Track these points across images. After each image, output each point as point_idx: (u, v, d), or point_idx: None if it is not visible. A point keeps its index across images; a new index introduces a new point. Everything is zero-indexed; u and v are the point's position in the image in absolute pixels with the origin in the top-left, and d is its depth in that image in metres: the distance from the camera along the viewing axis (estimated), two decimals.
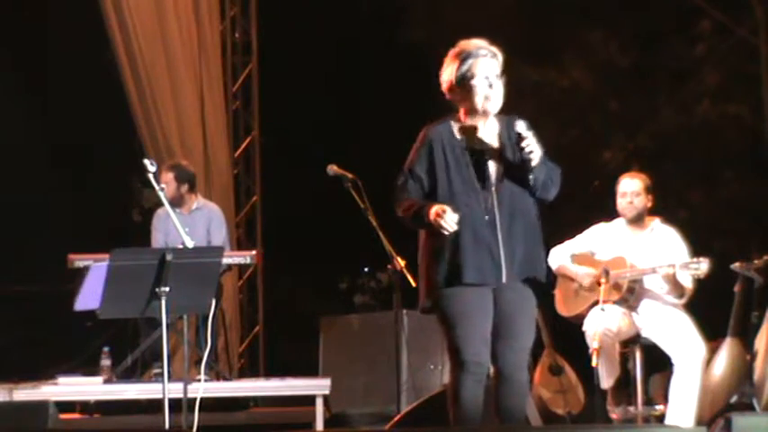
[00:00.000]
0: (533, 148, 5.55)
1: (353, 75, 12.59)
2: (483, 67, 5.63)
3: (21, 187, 10.66)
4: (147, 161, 6.49)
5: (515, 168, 5.62)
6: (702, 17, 11.92)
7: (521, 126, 5.59)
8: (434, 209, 5.46)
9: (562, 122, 11.30)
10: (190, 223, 8.43)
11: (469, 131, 5.67)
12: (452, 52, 5.71)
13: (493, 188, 5.59)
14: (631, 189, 7.47)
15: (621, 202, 7.49)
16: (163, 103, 10.02)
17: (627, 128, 12.33)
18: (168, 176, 8.62)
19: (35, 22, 11.26)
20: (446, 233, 5.47)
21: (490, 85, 5.62)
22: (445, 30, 12.10)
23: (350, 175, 7.32)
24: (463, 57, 5.65)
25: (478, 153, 5.65)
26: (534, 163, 5.55)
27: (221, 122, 10.46)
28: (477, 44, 5.68)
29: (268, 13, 10.96)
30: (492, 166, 5.63)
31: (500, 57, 5.68)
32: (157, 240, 8.69)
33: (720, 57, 11.66)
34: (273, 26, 11.22)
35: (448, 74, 5.69)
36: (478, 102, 5.63)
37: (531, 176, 5.60)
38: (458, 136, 5.66)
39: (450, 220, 5.44)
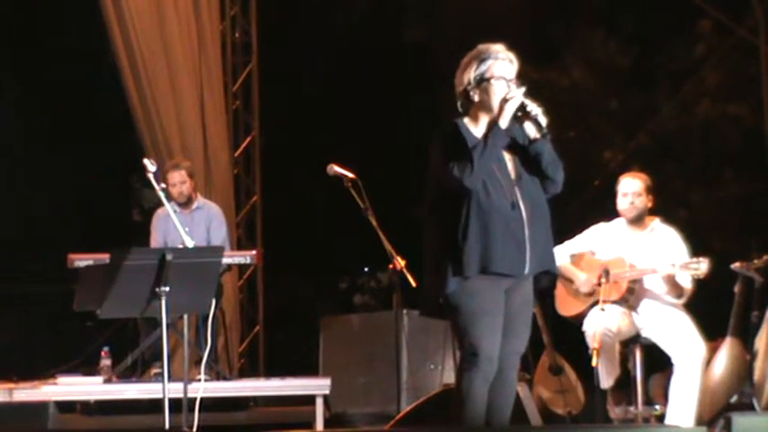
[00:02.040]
0: (537, 110, 5.61)
1: (353, 74, 12.58)
2: (501, 69, 5.68)
3: (21, 187, 10.66)
4: (147, 161, 6.50)
5: (529, 164, 5.69)
6: (702, 17, 11.92)
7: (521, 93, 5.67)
8: (504, 105, 5.57)
9: (562, 122, 11.31)
10: (189, 223, 8.44)
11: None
12: (469, 55, 5.75)
13: (514, 183, 5.66)
14: (633, 189, 7.45)
15: (623, 202, 7.47)
16: (163, 103, 10.02)
17: (627, 128, 12.34)
18: (184, 175, 8.67)
19: (35, 22, 11.26)
20: (517, 102, 5.57)
21: (508, 87, 5.66)
22: (446, 29, 12.13)
23: (350, 175, 7.32)
24: (481, 58, 5.70)
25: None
26: (543, 122, 5.60)
27: (221, 122, 10.45)
28: (495, 48, 5.73)
29: (268, 13, 10.96)
30: (510, 163, 5.69)
31: (516, 63, 5.73)
32: (156, 241, 8.69)
33: (720, 57, 11.66)
34: (273, 26, 11.22)
35: (465, 75, 5.72)
36: (496, 102, 5.67)
37: (538, 151, 5.65)
38: (474, 134, 5.69)
39: (517, 92, 5.57)
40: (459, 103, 5.77)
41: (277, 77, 11.25)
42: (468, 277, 5.55)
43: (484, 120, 5.72)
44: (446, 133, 5.69)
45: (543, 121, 5.63)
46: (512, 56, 5.73)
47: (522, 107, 5.65)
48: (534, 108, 5.64)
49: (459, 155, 5.59)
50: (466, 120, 5.75)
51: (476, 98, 5.70)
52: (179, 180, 8.67)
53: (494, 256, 5.56)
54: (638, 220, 7.48)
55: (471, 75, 5.69)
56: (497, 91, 5.67)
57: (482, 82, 5.67)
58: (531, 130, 5.68)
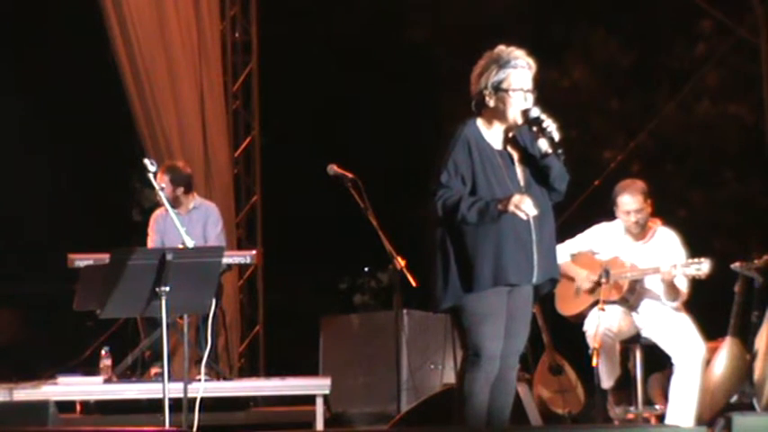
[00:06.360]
0: (552, 126, 5.62)
1: (354, 74, 12.59)
2: (520, 80, 5.67)
3: (21, 187, 10.66)
4: (147, 161, 6.48)
5: (537, 172, 5.71)
6: (702, 17, 11.92)
7: (536, 111, 5.66)
8: (513, 198, 5.48)
9: (562, 122, 11.29)
10: (186, 223, 8.40)
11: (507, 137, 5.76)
12: (489, 56, 5.72)
13: (523, 190, 5.66)
14: (634, 207, 7.37)
15: (627, 220, 7.40)
16: (163, 103, 10.01)
17: (627, 128, 12.34)
18: (164, 179, 8.59)
19: (36, 22, 11.27)
20: (524, 218, 5.51)
21: (525, 99, 5.66)
22: (446, 30, 12.13)
23: (350, 175, 7.32)
24: (501, 64, 5.67)
25: (508, 156, 5.71)
26: (556, 138, 5.61)
27: (221, 122, 10.44)
28: (515, 53, 5.70)
29: (268, 13, 10.96)
30: (519, 170, 5.70)
31: (534, 68, 5.72)
32: (153, 242, 8.66)
33: (720, 57, 11.66)
34: (273, 26, 11.22)
35: (482, 78, 5.70)
36: (511, 114, 5.69)
37: (548, 164, 5.67)
38: (486, 138, 5.68)
39: (530, 205, 5.49)
40: (473, 103, 5.75)
41: (277, 77, 11.25)
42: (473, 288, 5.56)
43: (497, 125, 5.74)
44: (455, 138, 5.67)
45: (557, 137, 5.63)
46: (530, 61, 5.71)
47: (538, 122, 5.64)
48: (550, 124, 5.64)
49: (456, 179, 5.58)
50: (479, 121, 5.74)
51: (491, 104, 5.70)
52: (159, 182, 8.59)
53: (505, 269, 5.58)
54: (641, 230, 7.46)
55: (489, 80, 5.67)
56: (514, 103, 5.67)
57: (499, 91, 5.67)
58: (543, 144, 5.69)
